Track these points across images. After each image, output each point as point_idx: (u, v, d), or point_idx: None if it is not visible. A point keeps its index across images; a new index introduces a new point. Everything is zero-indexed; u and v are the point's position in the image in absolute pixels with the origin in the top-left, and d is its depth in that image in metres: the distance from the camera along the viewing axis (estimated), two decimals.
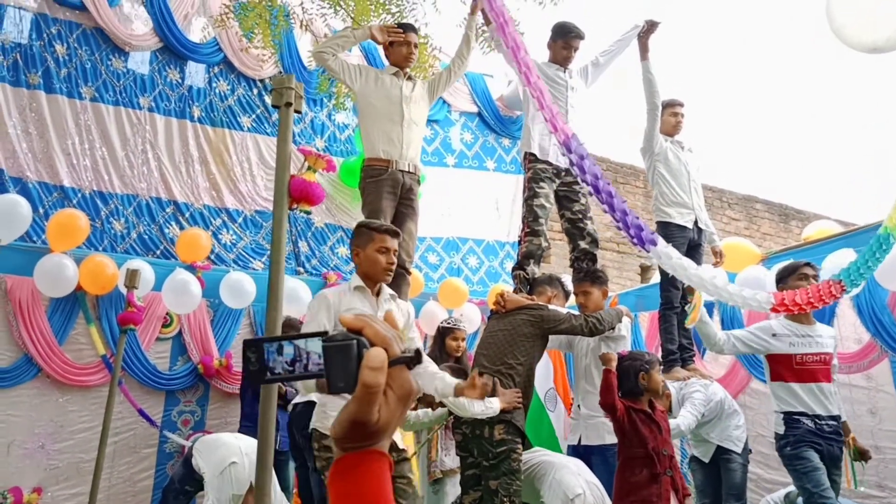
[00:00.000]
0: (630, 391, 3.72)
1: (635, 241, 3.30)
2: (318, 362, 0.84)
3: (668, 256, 3.31)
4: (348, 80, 4.63)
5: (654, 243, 3.29)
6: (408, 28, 4.78)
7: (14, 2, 6.35)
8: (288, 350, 0.85)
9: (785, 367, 4.11)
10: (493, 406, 3.56)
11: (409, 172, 4.57)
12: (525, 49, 3.74)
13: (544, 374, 5.42)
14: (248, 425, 5.25)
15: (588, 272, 4.71)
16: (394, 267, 3.38)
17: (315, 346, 0.84)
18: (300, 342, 0.85)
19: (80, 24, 6.68)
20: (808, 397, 4.03)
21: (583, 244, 4.92)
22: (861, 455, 4.39)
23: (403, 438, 3.29)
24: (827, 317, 5.13)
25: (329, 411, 3.29)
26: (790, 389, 4.08)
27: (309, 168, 3.07)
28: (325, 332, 0.85)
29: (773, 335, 4.12)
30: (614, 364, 3.78)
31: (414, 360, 0.85)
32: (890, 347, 5.03)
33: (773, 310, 3.54)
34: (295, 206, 2.97)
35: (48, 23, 6.53)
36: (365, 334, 0.84)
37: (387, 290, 3.44)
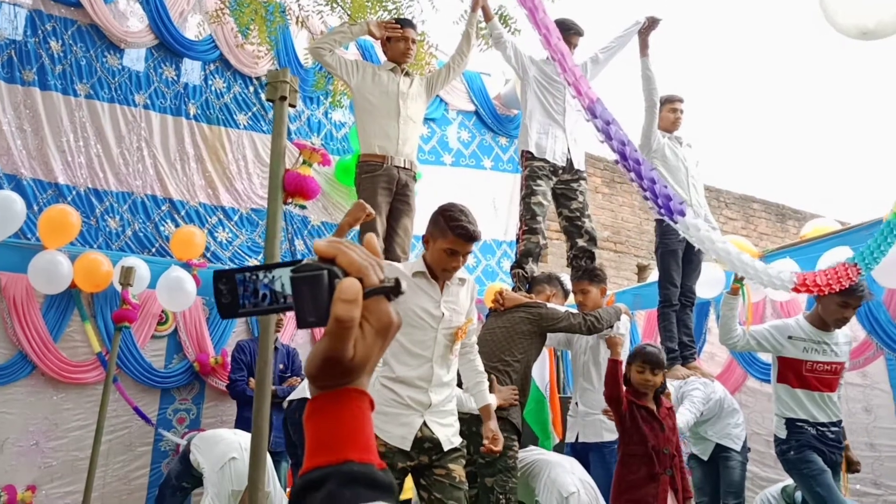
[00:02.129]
0: (624, 381, 3.67)
1: (662, 210, 3.17)
2: (286, 289, 0.77)
3: (697, 228, 3.20)
4: (345, 76, 4.62)
5: (682, 213, 3.17)
6: (405, 24, 4.77)
7: None
8: (263, 279, 0.79)
9: (794, 372, 4.04)
10: (490, 402, 3.54)
11: (404, 168, 4.55)
12: (545, 11, 3.56)
13: (542, 367, 5.41)
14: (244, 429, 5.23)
15: (587, 270, 4.70)
16: (458, 270, 3.07)
17: (285, 273, 0.78)
18: (274, 272, 0.78)
19: (75, 20, 6.65)
20: (811, 405, 3.98)
21: (581, 242, 4.91)
22: (850, 465, 4.36)
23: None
24: None
25: None
26: (794, 395, 4.02)
27: (304, 162, 3.05)
28: (298, 261, 0.78)
29: (790, 337, 4.05)
30: (620, 350, 3.68)
31: (393, 290, 0.78)
32: (885, 345, 5.02)
33: (795, 289, 3.52)
34: (290, 200, 2.95)
35: (43, 19, 6.50)
36: (338, 263, 0.77)
37: (456, 276, 3.12)
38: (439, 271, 3.03)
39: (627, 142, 3.20)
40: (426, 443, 2.93)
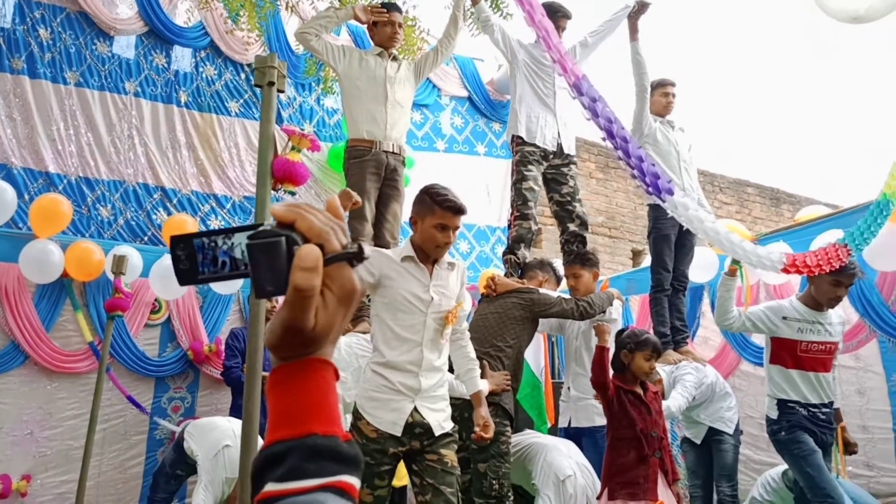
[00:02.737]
0: (616, 367, 3.69)
1: (650, 189, 3.15)
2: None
3: (685, 207, 3.19)
4: (332, 61, 4.60)
5: (670, 192, 3.15)
6: (391, 8, 4.74)
7: None
8: (223, 246, 0.75)
9: (788, 352, 4.05)
10: (482, 388, 3.55)
11: (393, 153, 4.54)
12: None
13: (536, 352, 5.42)
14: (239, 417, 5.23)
15: (578, 254, 4.70)
16: (450, 246, 3.03)
17: (244, 238, 0.73)
18: (234, 238, 0.74)
19: (63, 7, 6.59)
20: (804, 386, 4.00)
21: (572, 227, 4.90)
22: (847, 447, 4.38)
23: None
24: None
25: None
26: (788, 376, 4.03)
27: (293, 148, 3.03)
28: (257, 226, 0.73)
29: (784, 318, 4.06)
30: (608, 338, 3.71)
31: (356, 255, 0.74)
32: (878, 328, 5.03)
33: (784, 270, 3.51)
34: (279, 186, 2.94)
35: (31, 7, 6.45)
36: (297, 228, 0.73)
37: (445, 260, 3.11)
38: (432, 249, 3.02)
39: (614, 119, 3.17)
40: (417, 428, 2.92)
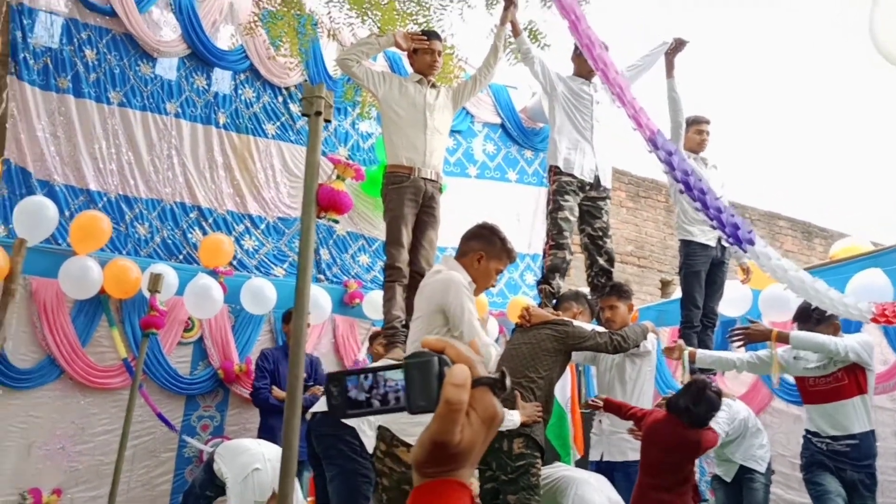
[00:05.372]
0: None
1: (731, 240, 3.13)
2: (396, 389, 0.81)
3: (767, 257, 3.14)
4: (372, 87, 4.65)
5: (751, 242, 3.12)
6: (432, 35, 4.80)
7: (46, 6, 6.43)
8: (374, 383, 0.83)
9: (801, 389, 4.11)
10: (513, 419, 3.54)
11: (431, 180, 4.57)
12: (587, 22, 3.53)
13: (563, 382, 5.41)
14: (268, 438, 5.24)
15: (614, 287, 4.70)
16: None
17: (394, 374, 0.82)
18: (385, 374, 0.83)
19: (109, 29, 6.74)
20: (820, 419, 4.01)
21: (601, 261, 4.95)
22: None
23: None
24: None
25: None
26: (807, 410, 4.12)
27: (338, 177, 3.08)
28: (402, 365, 0.82)
29: (795, 357, 4.08)
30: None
31: (498, 382, 0.82)
32: None
33: (874, 320, 3.38)
34: (323, 214, 2.98)
35: (79, 28, 6.60)
36: (447, 354, 0.81)
37: None
38: (484, 286, 3.31)
39: (691, 171, 3.19)
40: None
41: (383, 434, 3.21)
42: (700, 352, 4.54)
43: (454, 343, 0.83)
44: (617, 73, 3.36)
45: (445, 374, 0.79)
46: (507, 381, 0.83)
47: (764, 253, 3.11)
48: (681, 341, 4.62)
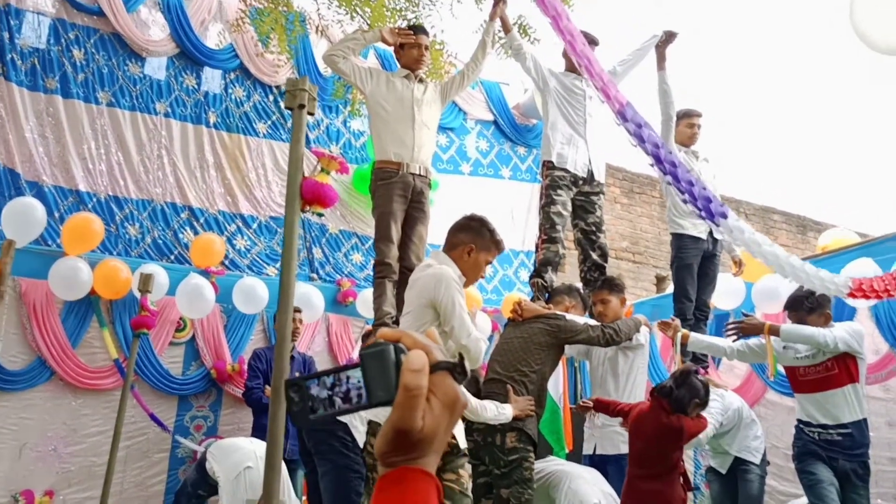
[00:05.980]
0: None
1: (703, 213, 3.11)
2: (358, 386, 0.80)
3: (741, 231, 3.12)
4: (359, 83, 4.64)
5: (724, 216, 3.12)
6: (418, 30, 4.78)
7: (33, 7, 6.40)
8: (335, 383, 0.82)
9: (792, 378, 4.12)
10: (505, 413, 3.53)
11: (420, 175, 4.55)
12: (568, 17, 3.51)
13: (555, 377, 5.39)
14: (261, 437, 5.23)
15: (606, 280, 4.69)
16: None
17: (355, 371, 0.81)
18: (346, 373, 0.82)
19: (97, 29, 6.71)
20: (812, 408, 4.01)
21: (594, 256, 4.94)
22: None
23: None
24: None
25: None
26: (798, 400, 4.11)
27: (322, 170, 3.05)
28: (359, 365, 0.82)
29: (785, 347, 4.07)
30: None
31: (458, 367, 0.81)
32: None
33: (850, 295, 3.37)
34: (308, 208, 2.95)
35: (66, 28, 6.57)
36: (403, 342, 0.81)
37: None
38: (474, 279, 3.30)
39: (661, 144, 3.16)
40: None
41: (373, 428, 3.19)
42: (693, 335, 4.52)
43: (410, 332, 0.82)
44: (584, 44, 3.35)
45: (402, 361, 0.78)
46: (467, 365, 0.82)
47: (737, 227, 3.10)
48: (676, 320, 4.59)
